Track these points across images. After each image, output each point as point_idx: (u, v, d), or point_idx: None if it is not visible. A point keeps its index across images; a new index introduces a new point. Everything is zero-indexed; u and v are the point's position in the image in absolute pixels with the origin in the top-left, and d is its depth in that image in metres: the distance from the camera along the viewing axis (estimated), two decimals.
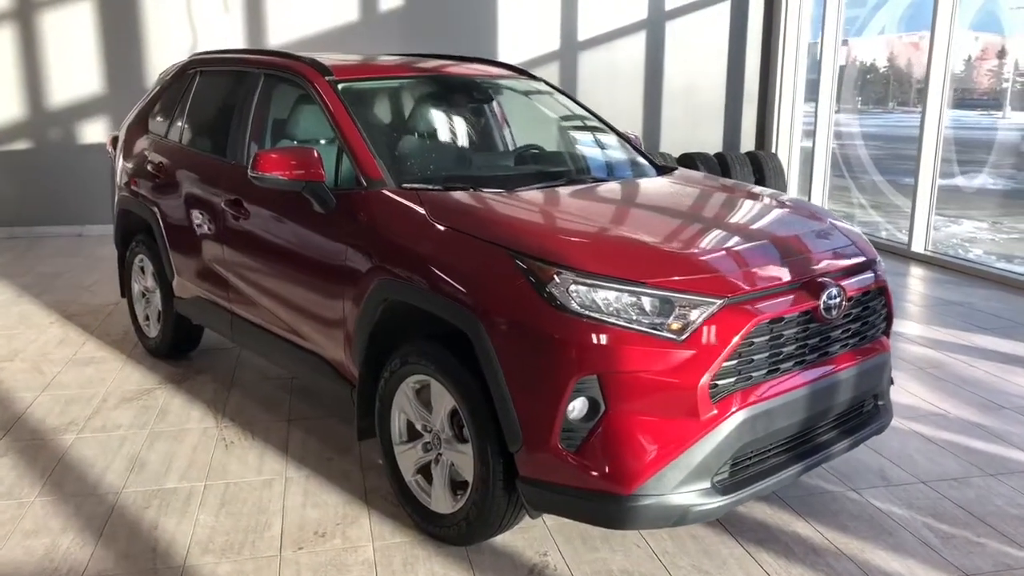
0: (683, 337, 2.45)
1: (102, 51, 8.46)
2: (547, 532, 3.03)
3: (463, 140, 4.06)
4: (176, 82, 4.69)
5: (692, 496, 2.51)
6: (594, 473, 2.48)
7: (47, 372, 4.66)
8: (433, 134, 3.84)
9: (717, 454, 2.51)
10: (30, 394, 4.33)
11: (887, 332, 3.13)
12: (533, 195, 3.21)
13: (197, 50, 8.32)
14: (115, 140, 5.19)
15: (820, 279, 2.75)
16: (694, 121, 9.86)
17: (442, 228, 2.86)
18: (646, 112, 9.71)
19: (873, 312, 3.01)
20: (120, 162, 5.00)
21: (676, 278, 2.53)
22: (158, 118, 4.73)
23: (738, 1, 9.72)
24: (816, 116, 9.18)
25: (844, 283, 2.79)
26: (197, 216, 4.11)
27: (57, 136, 8.56)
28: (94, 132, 8.59)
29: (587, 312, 2.46)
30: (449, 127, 3.99)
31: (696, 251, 2.71)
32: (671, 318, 2.47)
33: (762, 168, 9.45)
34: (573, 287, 2.49)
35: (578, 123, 4.21)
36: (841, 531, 3.04)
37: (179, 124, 4.49)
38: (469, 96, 4.09)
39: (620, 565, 2.84)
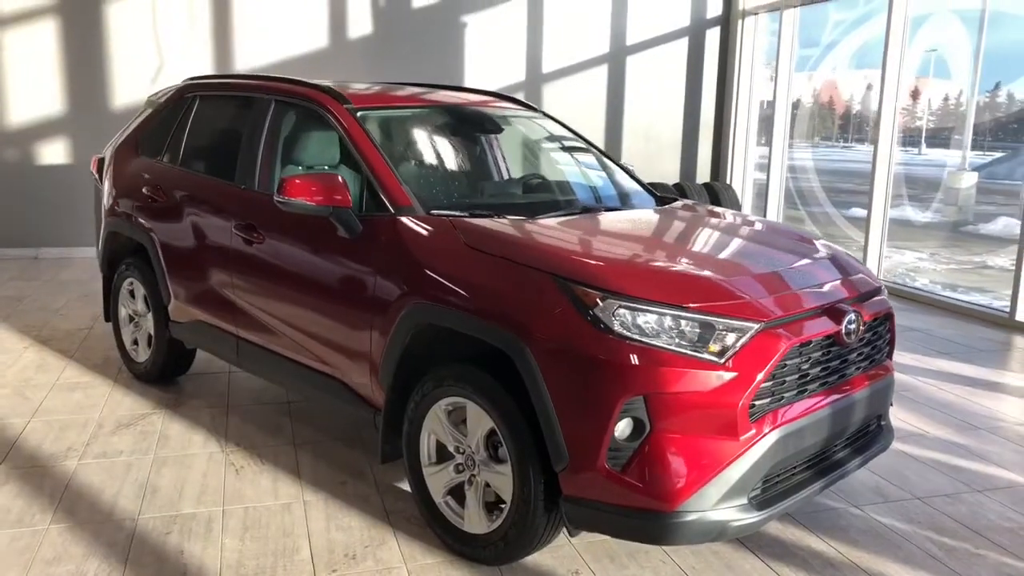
0: (724, 359, 2.58)
1: (63, 71, 8.30)
2: (575, 551, 3.10)
3: (476, 168, 4.15)
4: (172, 106, 4.67)
5: (731, 512, 2.62)
6: (638, 491, 2.57)
7: (32, 398, 4.54)
8: (449, 162, 3.93)
9: (754, 471, 2.63)
10: (19, 420, 4.22)
11: (890, 355, 3.33)
12: (559, 223, 3.32)
13: (162, 75, 8.30)
14: (100, 162, 5.13)
15: (839, 305, 2.92)
16: (653, 153, 10.14)
17: (481, 254, 2.94)
18: (607, 143, 9.95)
19: (880, 337, 3.20)
20: (107, 184, 4.94)
21: (716, 303, 2.66)
22: (152, 141, 4.69)
23: (695, 38, 10.09)
24: (771, 150, 9.57)
25: (860, 309, 2.97)
26: (201, 240, 4.09)
27: (14, 156, 8.34)
28: (53, 153, 8.41)
29: (632, 336, 2.57)
30: (462, 156, 4.08)
31: (731, 277, 2.85)
32: (712, 341, 2.59)
33: (718, 199, 9.76)
34: (619, 311, 2.60)
35: (582, 155, 4.35)
36: (852, 545, 3.20)
37: (178, 148, 4.47)
38: (480, 127, 4.20)
39: None
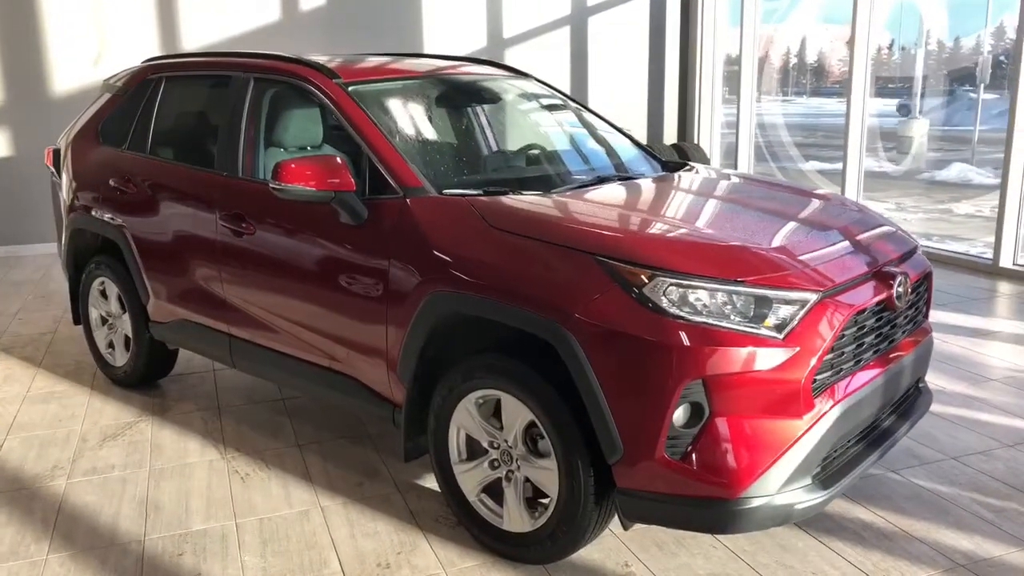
0: (783, 335, 2.42)
1: None
2: (620, 542, 2.95)
3: (478, 141, 3.92)
4: (134, 89, 4.31)
5: (797, 493, 2.48)
6: (700, 479, 2.41)
7: (3, 413, 4.21)
8: (451, 136, 3.68)
9: (819, 449, 2.49)
10: None
11: (927, 315, 3.21)
12: (580, 196, 3.11)
13: (103, 57, 7.82)
14: (56, 154, 4.75)
15: (887, 268, 2.78)
16: (618, 114, 9.91)
17: (507, 235, 2.72)
18: None
19: (921, 297, 3.08)
20: (67, 178, 4.58)
21: (770, 275, 2.49)
22: (115, 129, 4.34)
23: None
24: (738, 106, 9.44)
25: (905, 270, 2.84)
26: (182, 233, 3.80)
27: None
28: None
29: (686, 315, 2.39)
30: (463, 128, 3.84)
31: (781, 247, 2.68)
32: (770, 316, 2.43)
33: (688, 159, 9.60)
34: (669, 289, 2.42)
35: (583, 121, 4.14)
36: (901, 513, 3.10)
37: (146, 134, 4.13)
38: (477, 96, 3.95)
39: (705, 569, 2.79)
